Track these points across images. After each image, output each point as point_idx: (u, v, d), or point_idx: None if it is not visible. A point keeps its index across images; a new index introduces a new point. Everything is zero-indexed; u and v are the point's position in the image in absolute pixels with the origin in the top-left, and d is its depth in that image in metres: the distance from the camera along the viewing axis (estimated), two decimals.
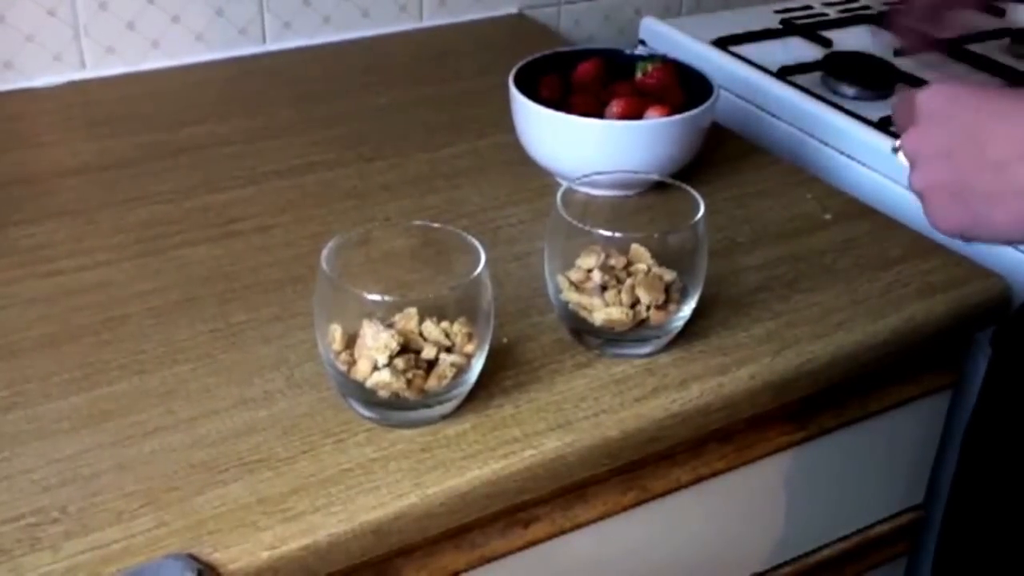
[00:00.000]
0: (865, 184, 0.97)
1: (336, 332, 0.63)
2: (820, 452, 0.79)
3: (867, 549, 0.87)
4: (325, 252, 0.62)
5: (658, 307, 0.68)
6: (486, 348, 0.64)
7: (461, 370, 0.63)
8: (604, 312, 0.67)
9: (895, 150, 0.59)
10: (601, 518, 0.69)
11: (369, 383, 0.61)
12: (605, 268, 0.68)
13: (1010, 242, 0.56)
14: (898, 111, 0.60)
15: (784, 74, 1.09)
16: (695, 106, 0.84)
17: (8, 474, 0.60)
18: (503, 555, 0.66)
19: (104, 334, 0.70)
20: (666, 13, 1.32)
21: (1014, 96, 0.54)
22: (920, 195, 0.57)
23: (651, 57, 0.92)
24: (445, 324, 0.63)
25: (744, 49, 1.16)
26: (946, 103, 0.56)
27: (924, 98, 0.57)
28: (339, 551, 0.58)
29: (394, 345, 0.61)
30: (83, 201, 0.85)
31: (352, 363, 0.62)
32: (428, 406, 0.63)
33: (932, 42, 0.78)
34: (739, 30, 1.19)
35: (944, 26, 0.77)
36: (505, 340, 0.70)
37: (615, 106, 0.85)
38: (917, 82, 1.08)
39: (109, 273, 0.76)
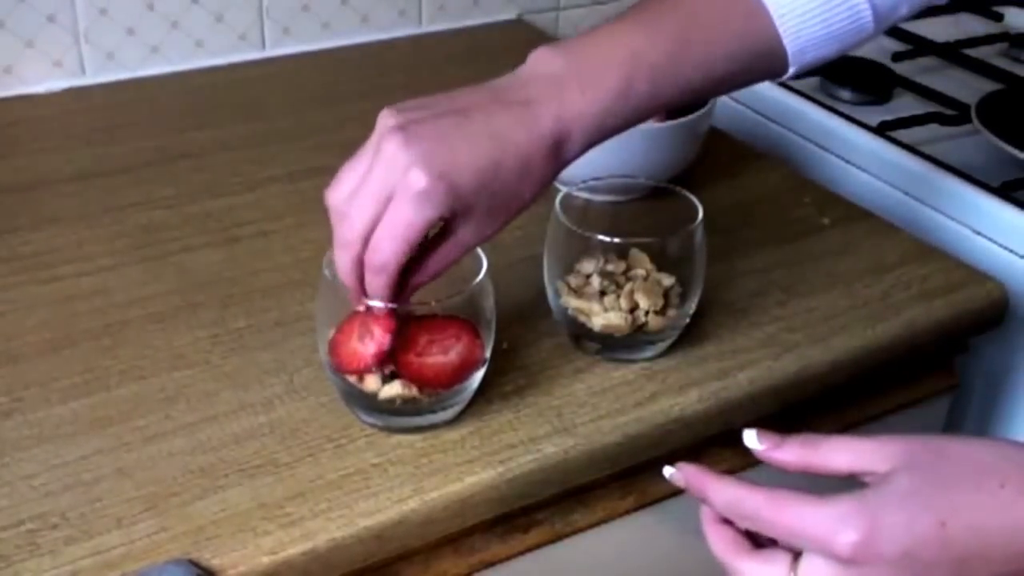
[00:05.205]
0: (863, 189, 0.97)
1: None
2: None
3: None
4: (327, 257, 0.62)
5: (657, 312, 0.68)
6: (487, 354, 0.64)
7: None
8: (603, 317, 0.67)
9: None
10: (601, 523, 0.69)
11: (371, 389, 0.62)
12: (604, 273, 0.69)
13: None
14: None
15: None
16: (693, 111, 0.84)
17: (8, 480, 0.60)
18: (503, 560, 0.66)
19: (104, 339, 0.70)
20: None
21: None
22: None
23: None
24: None
25: None
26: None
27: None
28: (339, 556, 0.58)
29: None
30: (83, 207, 0.85)
31: None
32: (430, 411, 0.63)
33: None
34: None
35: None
36: (505, 345, 0.70)
37: None
38: (915, 86, 1.09)
39: (109, 279, 0.77)
